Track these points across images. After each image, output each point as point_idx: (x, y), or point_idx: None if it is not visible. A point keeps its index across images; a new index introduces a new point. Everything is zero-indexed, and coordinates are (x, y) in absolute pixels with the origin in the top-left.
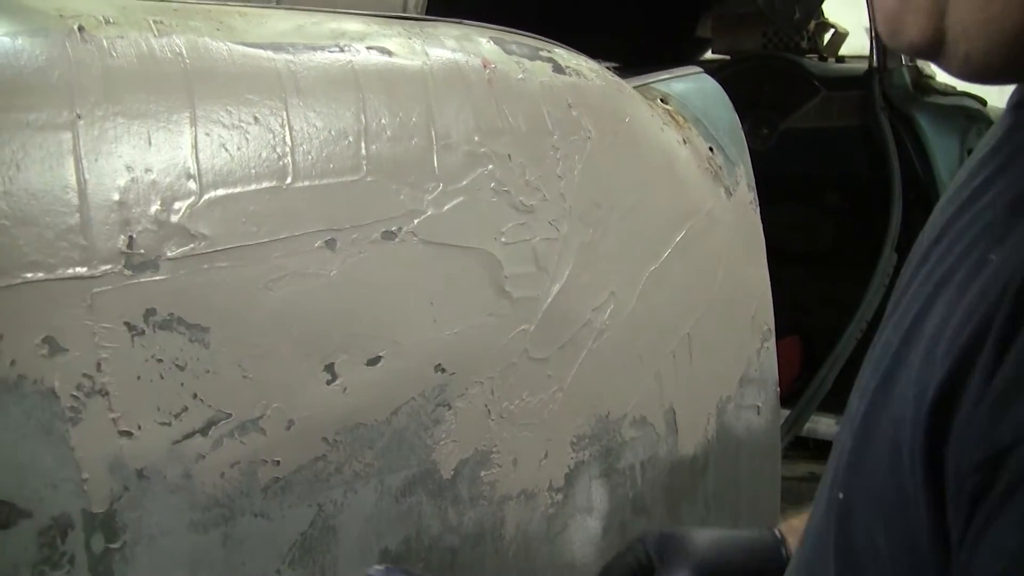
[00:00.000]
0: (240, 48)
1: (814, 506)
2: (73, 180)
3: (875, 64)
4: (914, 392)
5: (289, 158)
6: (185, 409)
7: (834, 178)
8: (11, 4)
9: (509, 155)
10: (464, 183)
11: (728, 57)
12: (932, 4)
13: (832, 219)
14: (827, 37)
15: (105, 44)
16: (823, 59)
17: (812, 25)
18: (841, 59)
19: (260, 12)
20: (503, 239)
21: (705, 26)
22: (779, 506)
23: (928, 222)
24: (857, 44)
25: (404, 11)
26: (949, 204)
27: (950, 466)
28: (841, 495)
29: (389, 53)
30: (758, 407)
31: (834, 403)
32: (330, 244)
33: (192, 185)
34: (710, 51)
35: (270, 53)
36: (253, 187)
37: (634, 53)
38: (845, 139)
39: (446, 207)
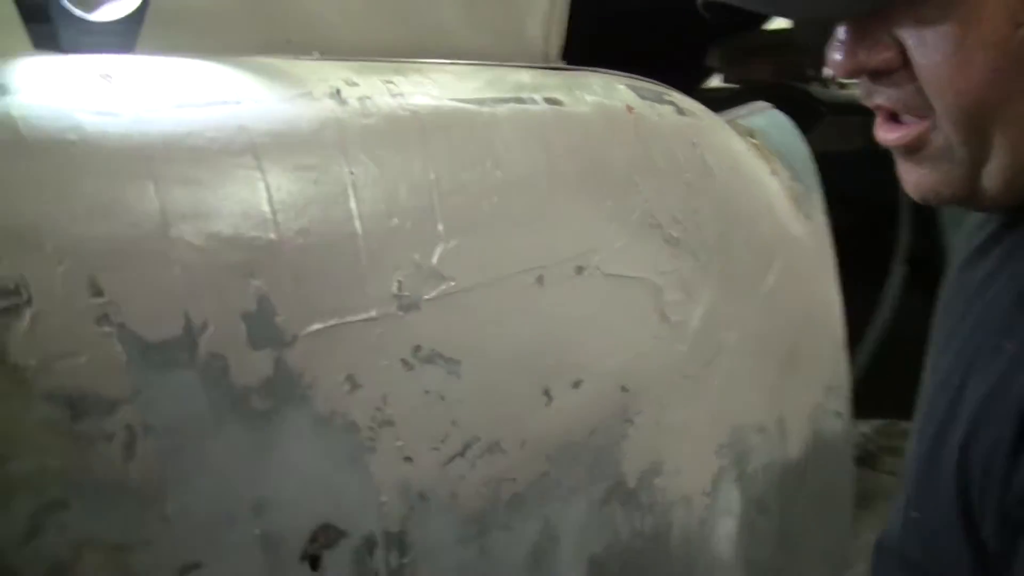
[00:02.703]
0: (452, 104)
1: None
2: (355, 231)
3: None
4: (959, 445)
5: (504, 203)
6: (448, 435)
7: (838, 198)
8: (275, 70)
9: (658, 192)
10: (632, 219)
11: (736, 86)
12: (964, 179)
13: (837, 237)
14: None
15: (357, 105)
16: (826, 86)
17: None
18: (843, 85)
19: (450, 69)
20: (660, 268)
21: (712, 56)
22: (851, 504)
23: (946, 284)
24: None
25: (546, 60)
26: (960, 271)
27: (990, 503)
28: (915, 514)
29: (560, 103)
30: (839, 412)
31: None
32: (539, 280)
33: (440, 229)
34: (722, 80)
35: (476, 107)
36: (483, 230)
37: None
38: (849, 161)
39: (619, 242)
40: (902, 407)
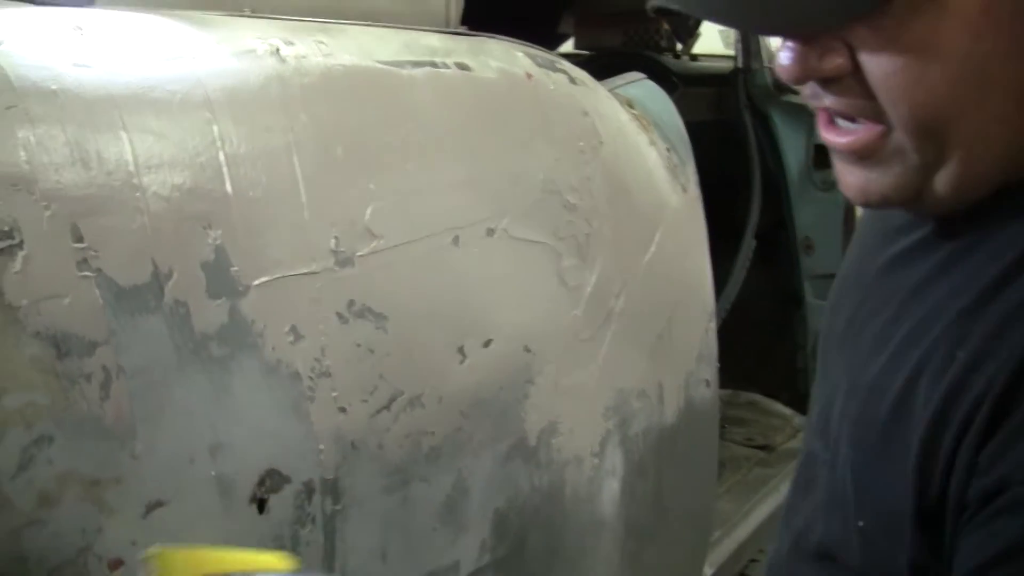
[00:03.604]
0: (376, 66)
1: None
2: (298, 186)
3: (740, 65)
4: (915, 454)
5: (425, 164)
6: (376, 388)
7: None
8: (220, 25)
9: (556, 159)
10: (535, 183)
11: (588, 52)
12: (914, 185)
13: None
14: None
15: (295, 64)
16: (677, 57)
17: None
18: (694, 57)
19: (369, 31)
20: (559, 234)
21: (567, 22)
22: (716, 470)
23: (853, 275)
24: (708, 44)
25: (448, 25)
26: (884, 272)
27: (952, 497)
28: (861, 524)
29: (469, 68)
30: (707, 380)
31: None
32: (455, 241)
33: (372, 188)
34: (572, 46)
35: (397, 69)
36: (408, 190)
37: None
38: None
39: (524, 205)
40: (746, 378)
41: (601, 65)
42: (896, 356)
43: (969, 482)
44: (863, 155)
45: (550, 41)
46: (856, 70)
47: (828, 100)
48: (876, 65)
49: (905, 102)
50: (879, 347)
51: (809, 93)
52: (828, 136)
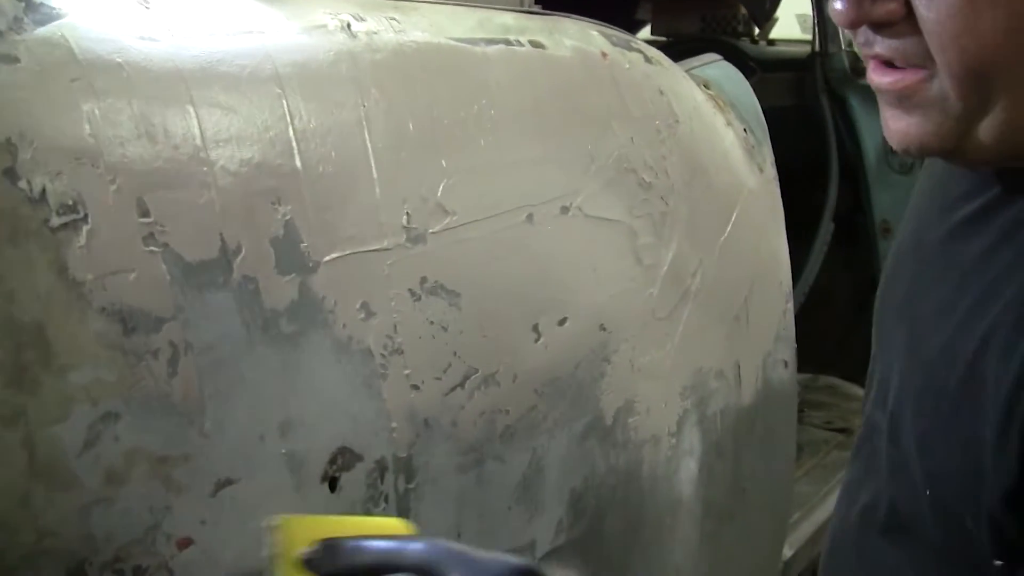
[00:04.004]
0: (449, 43)
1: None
2: (369, 162)
3: (817, 49)
4: (997, 422)
5: (498, 141)
6: (449, 365)
7: None
8: (288, 1)
9: (632, 137)
10: (609, 163)
11: (666, 39)
12: (955, 133)
13: None
14: None
15: (366, 40)
16: (755, 42)
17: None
18: (772, 42)
19: (442, 8)
20: (634, 212)
21: (644, 9)
22: (795, 453)
23: (910, 248)
24: (785, 29)
25: (521, 4)
26: (946, 242)
27: None
28: (928, 492)
29: (543, 47)
30: (785, 361)
31: None
32: (529, 218)
33: (444, 164)
34: (649, 32)
35: (470, 47)
36: (480, 166)
37: None
38: (779, 118)
39: (598, 184)
40: (825, 363)
41: (678, 51)
42: (963, 325)
43: None
44: (905, 96)
45: (627, 28)
46: (909, 15)
47: (879, 47)
48: (927, 8)
49: (955, 48)
50: (943, 317)
51: (861, 40)
52: (874, 77)
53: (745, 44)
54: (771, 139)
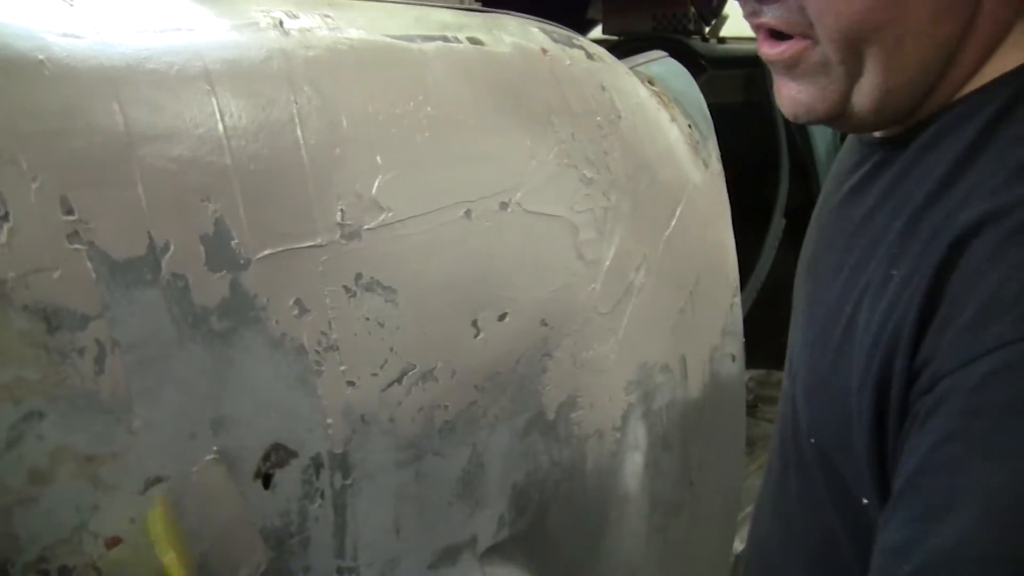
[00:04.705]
0: (385, 39)
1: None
2: (302, 159)
3: None
4: (860, 370)
5: (435, 138)
6: (386, 361)
7: (719, 150)
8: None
9: (572, 133)
10: (549, 158)
11: (618, 38)
12: (838, 95)
13: None
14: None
15: (299, 37)
16: (706, 40)
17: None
18: (722, 40)
19: (378, 6)
20: (576, 208)
21: (596, 8)
22: (744, 446)
23: (816, 217)
24: (735, 28)
25: (461, 1)
26: (838, 208)
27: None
28: (812, 440)
29: (481, 43)
30: (733, 355)
31: None
32: (467, 214)
33: (379, 161)
34: (601, 31)
35: (407, 43)
36: (417, 163)
37: None
38: (730, 115)
39: (538, 180)
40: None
41: (630, 50)
42: (847, 283)
43: (909, 389)
44: (792, 64)
45: (579, 27)
46: None
47: (765, 16)
48: None
49: (831, 14)
50: (834, 277)
51: (749, 11)
52: (763, 48)
53: (696, 42)
54: (723, 136)
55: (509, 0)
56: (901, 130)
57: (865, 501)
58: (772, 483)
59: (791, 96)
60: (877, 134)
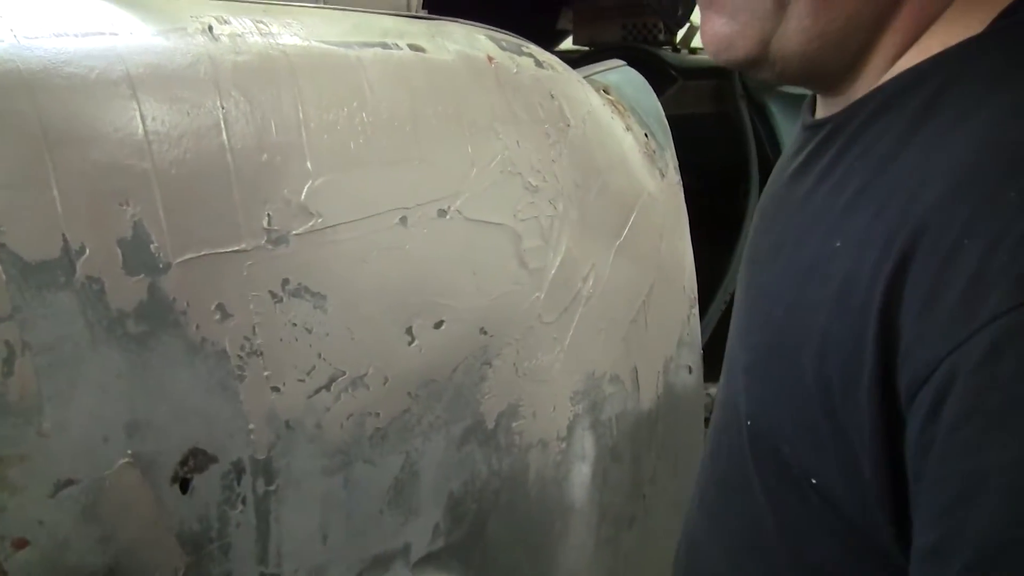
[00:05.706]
0: (320, 45)
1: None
2: (227, 164)
3: None
4: (813, 348)
5: (369, 144)
6: (314, 367)
7: (690, 161)
8: (149, 3)
9: (517, 141)
10: (492, 165)
11: (588, 48)
12: (760, 34)
13: (688, 199)
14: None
15: (228, 42)
16: (677, 51)
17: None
18: (693, 51)
19: (318, 12)
20: (519, 216)
21: (566, 18)
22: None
23: (759, 207)
24: None
25: (408, 10)
26: (779, 193)
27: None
28: (749, 423)
29: (423, 50)
30: (690, 367)
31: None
32: (403, 221)
33: (309, 166)
34: (571, 42)
35: (343, 50)
36: (350, 169)
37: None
38: (700, 125)
39: (479, 188)
40: None
41: (599, 60)
42: (789, 262)
43: (885, 367)
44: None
45: (549, 38)
46: None
47: None
48: None
49: None
50: (772, 257)
51: None
52: None
53: (666, 52)
54: (693, 146)
55: (477, 11)
56: (840, 109)
57: (814, 481)
58: (703, 471)
59: (712, 31)
60: (818, 115)
